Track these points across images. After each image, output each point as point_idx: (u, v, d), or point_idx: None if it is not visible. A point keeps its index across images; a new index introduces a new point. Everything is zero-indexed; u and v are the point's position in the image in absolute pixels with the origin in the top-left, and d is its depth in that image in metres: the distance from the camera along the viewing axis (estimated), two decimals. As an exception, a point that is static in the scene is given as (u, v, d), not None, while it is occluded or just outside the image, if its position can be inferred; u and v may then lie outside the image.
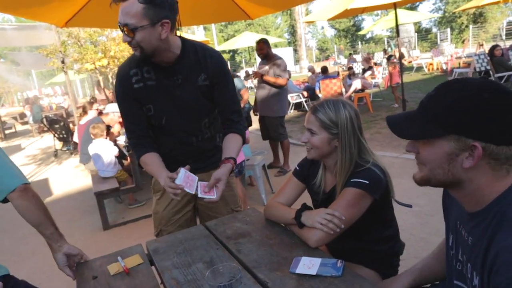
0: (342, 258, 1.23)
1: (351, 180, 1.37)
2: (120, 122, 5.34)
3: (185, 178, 1.47)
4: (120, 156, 4.53)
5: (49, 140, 9.73)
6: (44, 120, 8.54)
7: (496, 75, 7.45)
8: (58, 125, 8.14)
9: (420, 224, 2.94)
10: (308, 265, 1.21)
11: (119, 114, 5.06)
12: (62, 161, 7.90)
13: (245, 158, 3.82)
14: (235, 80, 4.87)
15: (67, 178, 6.41)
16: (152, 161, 1.65)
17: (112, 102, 7.28)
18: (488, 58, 7.75)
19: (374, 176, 1.36)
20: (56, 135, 8.15)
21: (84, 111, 5.59)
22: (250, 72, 5.20)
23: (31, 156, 8.97)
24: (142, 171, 4.22)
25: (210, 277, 1.02)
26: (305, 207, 1.43)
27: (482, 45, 12.85)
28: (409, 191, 3.37)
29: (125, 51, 6.70)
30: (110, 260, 1.45)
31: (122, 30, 1.45)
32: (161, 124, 1.69)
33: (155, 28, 1.44)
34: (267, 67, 4.68)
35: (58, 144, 8.48)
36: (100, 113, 5.51)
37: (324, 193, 1.54)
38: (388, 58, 9.40)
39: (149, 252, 1.50)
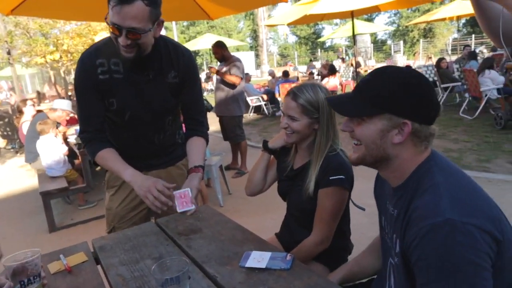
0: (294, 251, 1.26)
1: (330, 178, 1.40)
2: (68, 120, 5.08)
3: (183, 197, 1.42)
4: (71, 155, 4.31)
5: (-8, 138, 9.06)
6: (-13, 116, 7.95)
7: (442, 86, 7.96)
8: (2, 121, 7.61)
9: (370, 223, 3.03)
10: (258, 259, 1.22)
11: (68, 111, 4.83)
12: (5, 160, 7.38)
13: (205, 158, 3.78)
14: None
15: (11, 178, 5.99)
16: (112, 157, 1.57)
17: (64, 98, 6.93)
18: (435, 69, 8.27)
19: (346, 167, 1.42)
20: (-1, 132, 7.62)
21: (19, 111, 5.28)
22: (211, 76, 5.18)
23: (-30, 154, 8.31)
24: (93, 170, 4.12)
25: (156, 271, 0.99)
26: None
27: (430, 58, 13.71)
28: (360, 192, 3.51)
29: (79, 45, 6.38)
30: (52, 259, 1.37)
31: (120, 33, 1.34)
32: (123, 120, 1.60)
33: (154, 28, 1.41)
34: (224, 68, 4.70)
35: (2, 142, 7.92)
36: (39, 111, 5.19)
37: (292, 169, 1.58)
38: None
39: (95, 249, 1.43)
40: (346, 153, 1.47)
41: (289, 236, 1.64)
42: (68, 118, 5.04)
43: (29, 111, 5.23)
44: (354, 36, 6.68)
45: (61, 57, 6.34)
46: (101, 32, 6.62)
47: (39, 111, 5.02)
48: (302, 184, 1.48)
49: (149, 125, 1.65)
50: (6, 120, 7.68)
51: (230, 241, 1.39)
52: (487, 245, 0.79)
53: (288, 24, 6.95)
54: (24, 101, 5.62)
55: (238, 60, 4.73)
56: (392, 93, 0.93)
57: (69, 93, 6.49)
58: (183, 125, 1.83)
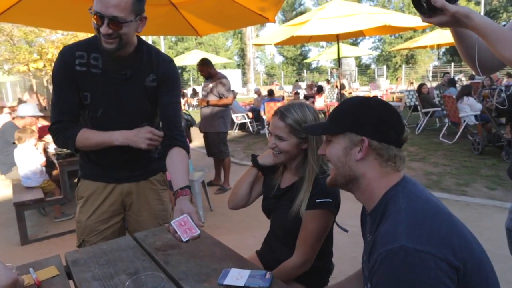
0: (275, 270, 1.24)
1: (317, 200, 1.38)
2: (40, 128, 4.92)
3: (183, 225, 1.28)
4: (49, 166, 4.19)
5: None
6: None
7: (423, 110, 8.18)
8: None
9: (352, 243, 3.05)
10: (237, 276, 1.19)
11: (36, 116, 4.68)
12: (-21, 169, 7.12)
13: None
14: None
15: (-16, 188, 5.77)
16: (93, 131, 1.56)
17: (45, 108, 6.73)
18: (417, 94, 8.51)
19: (335, 192, 1.41)
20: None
21: None
22: (198, 91, 5.18)
23: None
24: (71, 182, 4.00)
25: (130, 287, 0.95)
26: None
27: (412, 83, 14.11)
28: (342, 213, 3.52)
29: None
30: (21, 273, 1.30)
31: (102, 22, 1.36)
32: (96, 116, 1.58)
33: (137, 22, 1.45)
34: (210, 85, 4.73)
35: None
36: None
37: (279, 189, 1.55)
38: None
39: (68, 263, 1.37)
40: None
41: (270, 254, 1.61)
42: (40, 125, 4.89)
43: (3, 119, 5.06)
44: (339, 58, 6.84)
45: (44, 65, 6.23)
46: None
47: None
48: (289, 204, 1.46)
49: (121, 126, 1.59)
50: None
51: (209, 257, 1.36)
52: (443, 273, 0.79)
53: (275, 44, 7.09)
54: (1, 108, 5.46)
55: (224, 77, 4.76)
56: (352, 113, 1.02)
57: (50, 103, 6.37)
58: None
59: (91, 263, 1.35)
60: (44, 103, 8.61)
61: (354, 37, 8.68)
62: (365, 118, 1.00)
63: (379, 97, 1.29)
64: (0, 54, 7.11)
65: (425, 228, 0.84)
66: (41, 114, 4.86)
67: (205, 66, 4.72)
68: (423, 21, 1.11)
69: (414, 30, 7.46)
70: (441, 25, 1.08)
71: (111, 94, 1.56)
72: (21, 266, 1.35)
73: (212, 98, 4.70)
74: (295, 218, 1.42)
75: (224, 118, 4.78)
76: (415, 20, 6.17)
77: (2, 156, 4.01)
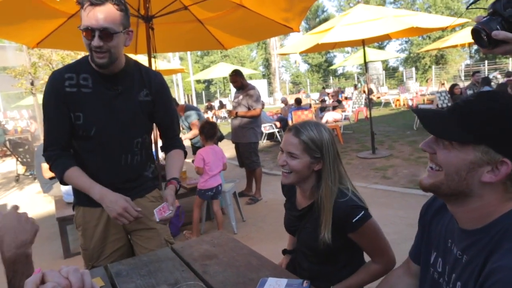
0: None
1: (353, 221, 1.33)
2: None
3: (161, 209, 1.51)
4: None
5: (12, 165, 9.28)
6: (7, 143, 8.18)
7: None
8: (22, 148, 7.81)
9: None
10: (274, 285, 1.20)
11: None
12: (24, 187, 7.53)
13: (221, 182, 3.81)
14: (192, 112, 4.91)
15: (28, 204, 6.08)
16: (81, 174, 1.57)
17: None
18: (449, 95, 8.24)
19: (359, 203, 1.37)
20: (19, 159, 7.80)
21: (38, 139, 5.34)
22: (224, 103, 5.21)
23: (-10, 181, 8.50)
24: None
25: (173, 296, 0.99)
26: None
27: (443, 84, 13.69)
28: (378, 220, 3.44)
29: None
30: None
31: (93, 35, 1.42)
32: (89, 136, 1.58)
33: (124, 35, 1.52)
34: (240, 97, 4.79)
35: (21, 169, 8.10)
36: None
37: (297, 210, 1.53)
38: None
39: (111, 274, 1.44)
40: (361, 197, 1.41)
41: (299, 270, 1.58)
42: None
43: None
44: (365, 63, 6.76)
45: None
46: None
47: None
48: (310, 227, 1.43)
49: (116, 142, 1.62)
50: (26, 147, 7.89)
51: (245, 267, 1.39)
52: None
53: (300, 53, 7.10)
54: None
55: (253, 88, 4.82)
56: (498, 124, 0.80)
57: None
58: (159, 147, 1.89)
59: (133, 274, 1.40)
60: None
61: (380, 41, 8.55)
62: None
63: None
64: (41, 78, 7.52)
65: None
66: None
67: (238, 77, 4.80)
68: (484, 52, 1.05)
69: (442, 30, 7.27)
70: (506, 53, 1.01)
71: (105, 111, 1.58)
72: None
73: (242, 109, 4.77)
74: (323, 243, 1.37)
75: (255, 128, 4.83)
76: (442, 19, 6.01)
77: (41, 175, 4.22)
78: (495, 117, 0.81)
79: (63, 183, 1.60)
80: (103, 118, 1.58)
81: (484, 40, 0.97)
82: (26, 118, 19.35)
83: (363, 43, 6.45)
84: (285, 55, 26.19)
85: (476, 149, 0.81)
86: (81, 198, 1.66)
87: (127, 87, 1.62)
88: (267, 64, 35.76)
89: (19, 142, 8.25)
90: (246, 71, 21.35)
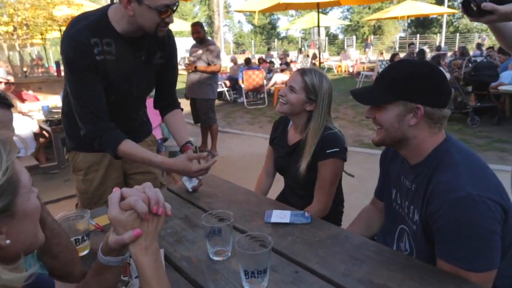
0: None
1: (327, 152, 1.57)
2: (20, 96, 4.56)
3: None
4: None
5: None
6: None
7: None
8: None
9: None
10: (280, 216, 1.37)
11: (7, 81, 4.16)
12: None
13: (163, 137, 3.76)
14: None
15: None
16: (135, 145, 1.53)
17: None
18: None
19: (340, 140, 1.60)
20: None
21: None
22: (186, 61, 4.98)
23: None
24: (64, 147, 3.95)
25: (204, 219, 1.10)
26: None
27: (382, 53, 14.49)
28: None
29: (40, 18, 5.89)
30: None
31: (172, 11, 1.39)
32: (108, 102, 1.52)
33: None
34: (200, 51, 4.69)
35: None
36: None
37: (288, 146, 1.74)
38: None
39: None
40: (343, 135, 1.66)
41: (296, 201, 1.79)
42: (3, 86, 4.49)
43: None
44: (319, 27, 6.94)
45: (15, 29, 5.84)
46: (60, 5, 6.24)
47: None
48: (299, 160, 1.64)
49: (131, 102, 1.67)
50: None
51: (247, 203, 1.53)
52: (499, 214, 0.96)
53: (260, 11, 7.06)
54: None
55: (213, 43, 4.76)
56: (405, 81, 1.09)
57: (25, 69, 6.02)
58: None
59: (140, 211, 1.47)
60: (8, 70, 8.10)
61: (332, 6, 8.77)
62: (419, 86, 1.07)
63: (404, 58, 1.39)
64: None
65: (482, 178, 1.01)
66: (10, 78, 4.49)
67: (201, 28, 4.65)
68: (471, 20, 1.26)
69: (382, 1, 7.68)
70: (489, 22, 1.21)
71: (127, 78, 1.54)
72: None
73: (201, 64, 4.69)
74: (305, 170, 1.61)
75: (213, 85, 4.83)
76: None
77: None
78: (401, 77, 1.10)
79: (118, 157, 1.53)
80: (124, 86, 1.56)
81: (474, 9, 1.20)
82: None
83: (318, 6, 6.60)
84: (228, 14, 25.42)
85: (397, 104, 1.09)
86: (79, 143, 1.66)
87: (147, 53, 1.57)
88: (210, 22, 34.50)
89: None
90: (188, 28, 20.35)
